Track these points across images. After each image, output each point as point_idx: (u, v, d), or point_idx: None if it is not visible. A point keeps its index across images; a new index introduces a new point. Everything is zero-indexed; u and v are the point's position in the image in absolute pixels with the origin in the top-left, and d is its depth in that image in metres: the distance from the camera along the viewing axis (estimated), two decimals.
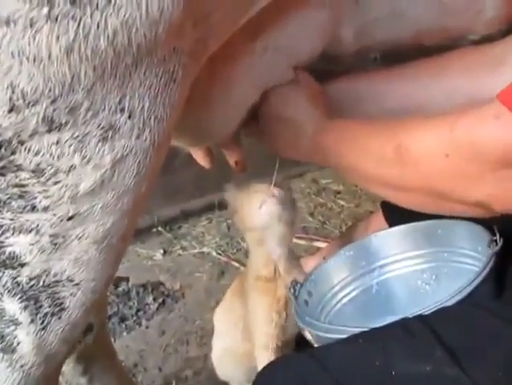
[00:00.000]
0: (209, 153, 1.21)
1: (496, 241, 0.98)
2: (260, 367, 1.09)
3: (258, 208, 1.17)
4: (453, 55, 1.03)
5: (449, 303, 0.91)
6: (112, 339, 1.63)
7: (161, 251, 2.28)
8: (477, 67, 0.99)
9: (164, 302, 2.03)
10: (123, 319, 1.96)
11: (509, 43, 0.98)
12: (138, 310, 2.00)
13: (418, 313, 0.90)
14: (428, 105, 1.04)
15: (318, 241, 2.18)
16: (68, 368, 1.31)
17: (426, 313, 0.90)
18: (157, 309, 2.00)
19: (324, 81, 1.12)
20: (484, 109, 0.75)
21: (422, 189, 0.85)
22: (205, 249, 2.27)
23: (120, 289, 2.08)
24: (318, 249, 1.99)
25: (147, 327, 1.93)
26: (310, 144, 1.02)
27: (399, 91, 1.07)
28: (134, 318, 1.97)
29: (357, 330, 0.92)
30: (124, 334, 1.91)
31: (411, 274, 1.18)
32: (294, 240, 2.16)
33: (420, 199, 0.88)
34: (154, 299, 2.04)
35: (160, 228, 2.38)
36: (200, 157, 1.22)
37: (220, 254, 2.23)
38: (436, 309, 0.90)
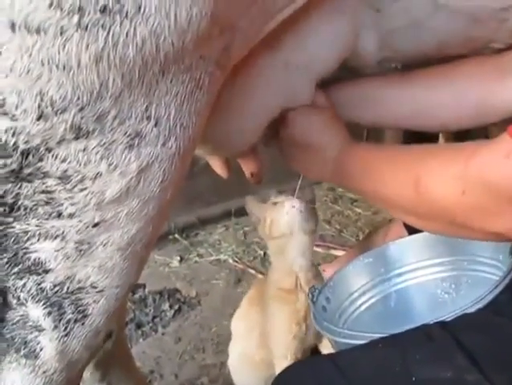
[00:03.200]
0: (226, 163, 1.21)
1: None
2: None
3: (281, 218, 1.19)
4: (463, 62, 1.04)
5: (470, 311, 0.91)
6: (129, 346, 1.63)
7: (178, 258, 2.28)
8: (486, 74, 1.01)
9: (180, 309, 2.03)
10: (139, 326, 1.96)
11: None
12: (154, 317, 2.00)
13: (439, 319, 0.90)
14: (437, 109, 1.05)
15: (336, 248, 2.17)
16: (86, 375, 1.31)
17: (447, 319, 0.90)
18: (173, 316, 2.00)
19: (335, 85, 1.12)
20: (495, 147, 0.75)
21: (442, 220, 0.85)
22: (221, 257, 2.27)
23: (137, 295, 2.08)
24: (336, 256, 1.99)
25: (163, 334, 1.93)
26: (332, 169, 1.02)
27: (409, 95, 1.07)
28: (150, 324, 1.97)
29: (376, 336, 0.92)
30: (141, 340, 1.91)
31: (430, 283, 1.18)
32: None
33: (440, 226, 0.88)
34: (170, 306, 2.04)
35: (176, 236, 2.38)
36: (217, 167, 1.22)
37: (236, 261, 2.23)
38: (456, 315, 0.90)
